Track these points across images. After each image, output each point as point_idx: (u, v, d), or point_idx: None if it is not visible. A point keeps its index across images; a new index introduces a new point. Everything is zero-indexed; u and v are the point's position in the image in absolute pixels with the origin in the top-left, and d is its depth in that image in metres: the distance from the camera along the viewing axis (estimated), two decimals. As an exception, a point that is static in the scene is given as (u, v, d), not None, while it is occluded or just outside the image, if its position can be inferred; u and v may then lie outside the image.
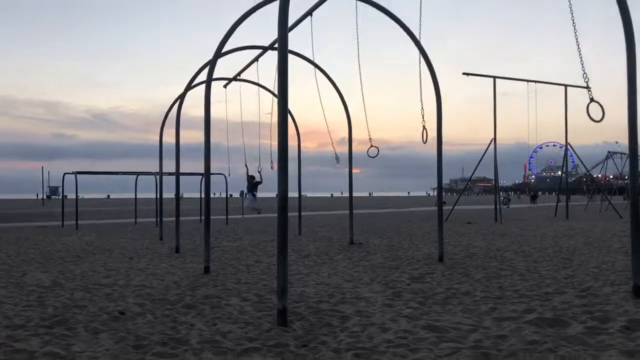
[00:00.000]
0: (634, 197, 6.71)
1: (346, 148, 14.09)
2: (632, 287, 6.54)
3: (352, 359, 4.23)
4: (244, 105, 16.06)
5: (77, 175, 22.26)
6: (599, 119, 7.36)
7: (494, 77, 23.31)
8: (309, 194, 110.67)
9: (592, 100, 7.39)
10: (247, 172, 18.86)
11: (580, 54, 7.54)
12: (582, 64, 7.53)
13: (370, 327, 5.22)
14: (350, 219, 14.23)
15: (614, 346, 4.44)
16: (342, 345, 4.61)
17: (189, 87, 12.46)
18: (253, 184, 20.69)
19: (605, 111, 7.44)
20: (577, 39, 7.74)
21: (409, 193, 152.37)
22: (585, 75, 7.46)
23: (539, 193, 68.39)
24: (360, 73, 11.54)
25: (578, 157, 27.91)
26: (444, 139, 10.38)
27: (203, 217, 11.10)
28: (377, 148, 12.74)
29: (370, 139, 12.91)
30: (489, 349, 4.43)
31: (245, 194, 21.58)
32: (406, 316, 5.66)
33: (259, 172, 18.55)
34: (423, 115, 10.48)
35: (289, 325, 5.28)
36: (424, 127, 10.56)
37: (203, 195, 11.84)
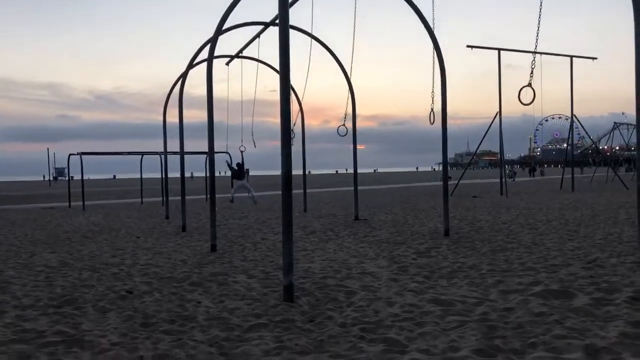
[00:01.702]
0: (641, 167, 6.65)
1: (349, 125, 14.03)
2: (638, 257, 6.52)
3: (359, 334, 4.24)
4: (249, 83, 16.00)
5: (82, 156, 22.30)
6: (528, 102, 7.95)
7: (499, 49, 23.05)
8: (314, 171, 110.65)
9: (528, 84, 7.90)
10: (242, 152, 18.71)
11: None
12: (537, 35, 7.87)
13: (376, 302, 5.23)
14: (355, 195, 14.22)
15: (621, 317, 4.44)
16: (348, 320, 4.63)
17: (191, 65, 12.38)
18: (239, 170, 20.56)
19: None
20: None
21: (417, 168, 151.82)
22: (533, 62, 7.86)
23: (537, 166, 68.53)
24: (353, 47, 11.43)
25: (584, 128, 27.73)
26: (449, 113, 10.31)
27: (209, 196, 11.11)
28: (346, 127, 13.21)
29: (345, 116, 13.06)
30: (495, 322, 4.44)
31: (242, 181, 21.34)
32: (412, 290, 5.68)
33: (242, 151, 18.58)
34: (433, 98, 10.44)
35: (296, 301, 5.31)
36: (432, 109, 10.56)
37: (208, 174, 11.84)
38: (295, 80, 17.33)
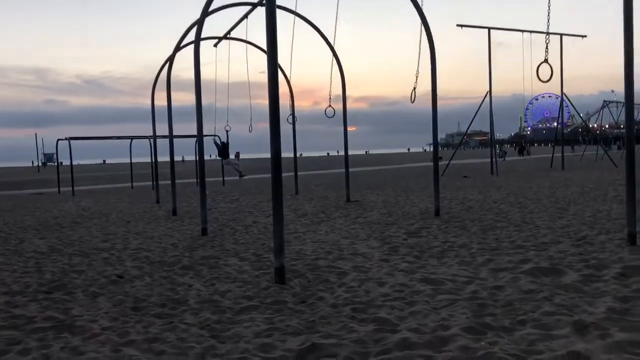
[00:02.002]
0: (630, 145, 6.68)
1: (341, 106, 13.96)
2: (626, 234, 6.58)
3: (350, 314, 4.26)
4: (239, 65, 15.87)
5: (71, 142, 22.11)
6: (546, 79, 7.65)
7: (489, 28, 22.97)
8: (305, 153, 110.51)
9: (545, 60, 7.60)
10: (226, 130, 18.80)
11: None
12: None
13: (367, 282, 5.25)
14: (347, 177, 14.21)
15: (609, 293, 4.48)
16: (339, 301, 4.64)
17: (178, 48, 12.24)
18: (223, 149, 20.57)
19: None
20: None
21: (409, 149, 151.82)
22: (547, 37, 7.63)
23: (526, 146, 69.07)
24: (335, 23, 11.33)
25: (574, 107, 27.79)
26: (438, 93, 10.27)
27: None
28: (334, 109, 13.17)
29: (330, 97, 13.04)
30: (485, 300, 4.46)
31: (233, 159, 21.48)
32: (403, 270, 5.70)
33: (227, 130, 18.61)
34: (417, 77, 10.37)
35: (287, 283, 5.31)
36: (414, 88, 10.51)
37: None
38: (284, 61, 17.16)
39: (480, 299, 4.49)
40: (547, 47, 7.59)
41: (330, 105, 13.58)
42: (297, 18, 12.98)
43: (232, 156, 22.44)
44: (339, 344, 3.54)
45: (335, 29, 12.06)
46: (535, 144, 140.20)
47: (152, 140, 17.92)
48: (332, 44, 13.33)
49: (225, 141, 20.43)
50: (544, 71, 7.61)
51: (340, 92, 13.89)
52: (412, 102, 10.65)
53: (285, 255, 5.81)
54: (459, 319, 3.96)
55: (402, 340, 3.55)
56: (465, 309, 4.19)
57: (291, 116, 15.47)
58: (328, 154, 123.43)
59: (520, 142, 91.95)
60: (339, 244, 7.46)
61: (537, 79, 7.73)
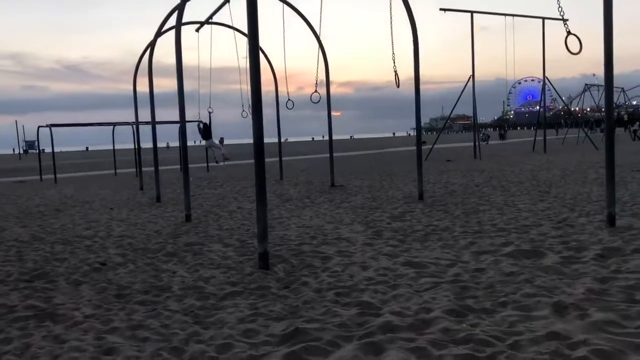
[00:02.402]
0: (609, 128, 6.75)
1: (324, 91, 13.91)
2: (606, 216, 6.68)
3: (333, 298, 4.28)
4: (221, 51, 15.72)
5: (52, 128, 21.83)
6: (576, 51, 7.31)
7: (471, 12, 22.96)
8: (290, 139, 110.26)
9: (569, 33, 7.29)
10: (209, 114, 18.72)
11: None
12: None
13: (351, 266, 5.28)
14: (331, 162, 14.22)
15: (588, 274, 4.55)
16: (323, 285, 4.66)
17: (159, 33, 12.08)
18: (205, 129, 20.44)
19: (583, 43, 7.36)
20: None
21: (394, 134, 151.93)
22: (560, 9, 7.35)
23: (505, 129, 69.70)
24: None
25: (556, 90, 27.99)
26: (422, 78, 10.28)
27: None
28: (319, 94, 13.10)
29: (316, 83, 12.96)
30: (467, 282, 4.51)
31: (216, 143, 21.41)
32: (386, 254, 5.73)
33: (210, 112, 18.53)
34: (394, 60, 10.30)
35: (271, 268, 5.32)
36: (395, 71, 10.45)
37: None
38: (268, 47, 17.03)
39: (463, 282, 4.54)
40: (564, 22, 7.24)
41: (316, 91, 13.47)
42: (280, 3, 12.86)
43: (216, 141, 22.28)
44: (322, 328, 3.56)
45: (321, 18, 11.96)
46: (518, 128, 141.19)
47: (134, 126, 17.76)
48: (316, 30, 13.25)
49: (207, 122, 20.31)
50: (573, 43, 7.17)
51: (324, 77, 13.84)
52: (398, 87, 10.60)
53: (269, 241, 5.82)
54: (441, 301, 4.01)
55: (385, 323, 3.59)
56: (448, 292, 4.24)
57: (290, 102, 15.32)
58: (313, 138, 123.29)
59: (503, 126, 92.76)
60: (323, 229, 7.48)
61: (568, 51, 7.26)
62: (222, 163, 22.16)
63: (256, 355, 3.22)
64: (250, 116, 17.93)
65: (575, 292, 4.04)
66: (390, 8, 10.11)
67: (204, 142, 21.93)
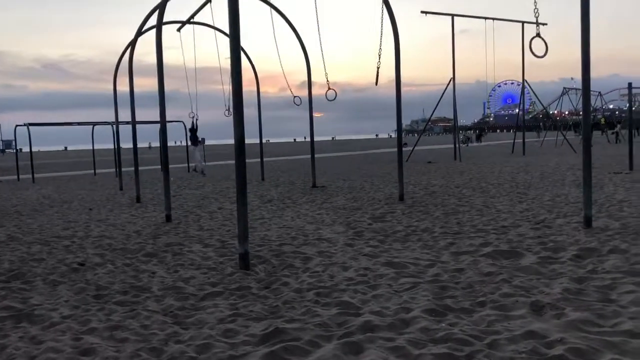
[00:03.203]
0: (586, 131, 6.86)
1: (306, 92, 13.91)
2: (583, 217, 6.78)
3: (314, 298, 4.29)
4: (201, 51, 15.64)
5: (30, 127, 21.53)
6: (541, 54, 7.38)
7: (452, 15, 23.15)
8: (272, 140, 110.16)
9: (537, 35, 7.36)
10: (193, 123, 18.73)
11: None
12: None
13: (331, 267, 5.29)
14: (312, 163, 14.22)
15: (565, 274, 4.62)
16: (304, 286, 4.66)
17: (140, 32, 11.97)
18: (192, 136, 20.40)
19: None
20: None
21: (377, 135, 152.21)
22: (536, 10, 7.43)
23: (484, 132, 70.65)
24: (316, 10, 11.30)
25: (535, 93, 28.33)
26: (403, 80, 10.34)
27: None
28: (335, 91, 12.72)
29: (327, 81, 12.81)
30: (446, 282, 4.55)
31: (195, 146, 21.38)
32: (367, 254, 5.76)
33: (191, 117, 18.52)
34: (380, 55, 10.30)
35: (252, 269, 5.31)
36: (378, 68, 10.38)
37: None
38: (250, 48, 16.99)
39: (442, 282, 4.57)
40: (537, 22, 7.28)
41: (330, 88, 13.07)
42: (262, 4, 12.84)
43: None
44: (302, 328, 3.57)
45: (317, 20, 11.93)
46: (498, 130, 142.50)
47: (114, 126, 17.56)
48: (302, 38, 13.25)
49: (193, 127, 20.23)
50: (538, 45, 7.23)
51: (305, 78, 13.85)
52: (376, 85, 10.55)
53: (250, 241, 5.81)
54: (420, 301, 4.04)
55: (364, 323, 3.60)
56: (427, 292, 4.27)
57: (297, 97, 15.12)
58: (294, 139, 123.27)
59: (482, 129, 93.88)
60: (304, 230, 7.48)
61: (532, 54, 7.31)
62: (198, 172, 22.08)
63: (236, 356, 3.21)
64: (220, 117, 17.96)
65: (552, 292, 4.10)
66: (382, 9, 10.13)
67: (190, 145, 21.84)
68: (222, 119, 17.80)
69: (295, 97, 14.51)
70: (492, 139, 65.25)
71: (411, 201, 10.02)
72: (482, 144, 49.20)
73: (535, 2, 7.34)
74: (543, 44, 7.29)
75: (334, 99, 12.76)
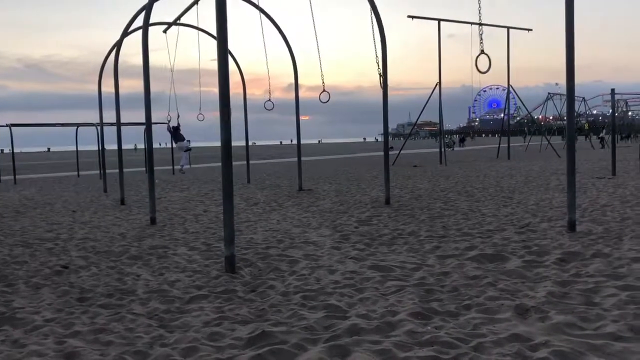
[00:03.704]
0: (570, 136, 6.94)
1: (293, 95, 13.92)
2: (567, 222, 6.85)
3: (300, 301, 4.28)
4: (189, 53, 15.58)
5: (12, 128, 21.27)
6: (485, 70, 7.76)
7: (439, 20, 23.31)
8: (258, 142, 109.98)
9: (482, 52, 7.72)
10: (169, 124, 19.04)
11: None
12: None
13: (318, 270, 5.28)
14: (299, 166, 14.22)
15: (549, 277, 4.66)
16: (290, 289, 4.65)
17: (125, 33, 11.91)
18: (174, 133, 20.61)
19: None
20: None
21: (364, 139, 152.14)
22: (480, 28, 7.71)
23: (469, 136, 71.45)
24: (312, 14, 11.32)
25: (520, 98, 28.60)
26: (390, 84, 10.37)
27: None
28: (329, 93, 12.81)
29: (323, 83, 12.84)
30: (432, 286, 4.57)
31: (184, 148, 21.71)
32: (353, 258, 5.76)
33: (168, 121, 18.75)
34: (378, 63, 10.32)
35: (238, 272, 5.29)
36: (379, 74, 10.42)
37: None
38: (237, 50, 16.93)
39: (427, 285, 4.59)
40: (481, 39, 7.78)
41: (324, 90, 13.11)
42: (249, 5, 12.83)
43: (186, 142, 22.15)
44: (288, 331, 3.56)
45: (313, 19, 11.93)
46: (483, 135, 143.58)
47: (98, 127, 17.41)
48: (285, 35, 13.26)
49: (176, 125, 20.31)
50: (483, 62, 7.79)
51: (292, 81, 13.86)
52: (382, 88, 10.50)
53: (236, 244, 5.79)
54: (406, 304, 4.05)
55: (351, 326, 3.60)
56: (413, 295, 4.28)
57: (269, 102, 15.34)
58: (281, 142, 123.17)
59: (467, 133, 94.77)
60: (290, 233, 7.47)
61: (477, 70, 7.89)
62: (183, 172, 22.12)
63: (222, 359, 3.19)
64: (206, 119, 17.99)
65: (537, 295, 4.13)
66: (372, 14, 10.15)
67: (175, 145, 21.94)
68: (209, 121, 17.78)
69: (267, 101, 14.78)
70: (477, 143, 65.74)
71: (397, 205, 10.06)
72: (465, 148, 49.54)
73: (480, 21, 7.69)
74: (487, 60, 7.74)
75: (327, 101, 12.84)
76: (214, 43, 14.43)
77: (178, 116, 19.41)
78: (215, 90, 5.32)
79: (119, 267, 5.75)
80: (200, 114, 18.66)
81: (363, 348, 3.24)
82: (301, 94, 13.97)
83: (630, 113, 56.06)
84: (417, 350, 3.18)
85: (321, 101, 13.29)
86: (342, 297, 4.36)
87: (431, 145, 52.85)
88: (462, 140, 59.15)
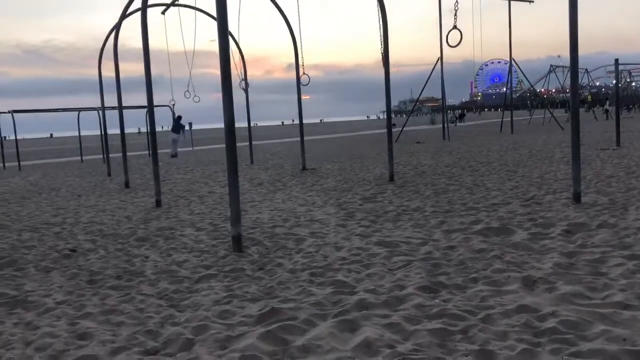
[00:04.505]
0: (574, 109, 6.90)
1: (294, 74, 13.83)
2: (572, 193, 6.85)
3: (308, 278, 4.31)
4: (187, 34, 15.47)
5: (15, 115, 21.26)
6: (455, 44, 7.91)
7: (440, -6, 23.02)
8: (260, 123, 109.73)
9: (454, 27, 7.84)
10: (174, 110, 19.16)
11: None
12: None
13: (324, 247, 5.31)
14: (302, 146, 14.20)
15: (555, 249, 4.68)
16: (297, 266, 4.69)
17: (124, 15, 11.80)
18: (175, 123, 20.85)
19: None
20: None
21: (368, 117, 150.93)
22: (456, 3, 7.70)
23: (465, 112, 70.08)
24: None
25: (522, 72, 28.37)
26: (391, 61, 10.30)
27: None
28: (308, 76, 13.13)
29: (302, 65, 12.93)
30: (439, 260, 4.59)
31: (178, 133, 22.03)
32: (359, 234, 5.78)
33: (173, 105, 18.87)
34: (382, 42, 10.23)
35: (245, 251, 5.32)
36: (382, 53, 10.35)
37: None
38: (235, 31, 16.82)
39: (434, 259, 4.61)
40: (455, 14, 7.88)
41: (304, 73, 13.37)
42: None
43: (187, 127, 22.38)
44: (298, 308, 3.59)
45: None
46: (486, 110, 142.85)
47: (100, 112, 17.39)
48: (289, 20, 13.14)
49: (176, 116, 20.50)
50: (454, 37, 7.96)
51: (291, 61, 13.77)
52: (384, 66, 10.48)
53: (242, 224, 5.81)
54: (413, 279, 4.07)
55: (359, 300, 3.63)
56: (420, 269, 4.31)
57: (243, 82, 15.37)
58: (283, 122, 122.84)
59: (470, 108, 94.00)
60: (295, 212, 7.49)
61: (447, 45, 8.08)
62: (172, 152, 22.29)
63: (233, 336, 3.23)
64: (204, 101, 18.07)
65: (543, 267, 4.15)
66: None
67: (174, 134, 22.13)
68: (209, 103, 17.75)
69: (241, 81, 14.86)
70: (480, 118, 65.41)
71: (401, 181, 10.06)
72: (465, 124, 49.14)
73: None
74: (459, 35, 7.92)
75: (307, 84, 13.26)
76: (211, 24, 14.34)
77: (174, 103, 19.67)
78: (214, 71, 5.29)
79: (126, 249, 5.79)
80: (196, 95, 18.59)
81: (372, 322, 3.27)
82: (301, 73, 13.88)
83: (633, 84, 55.57)
84: (426, 323, 3.20)
85: (302, 84, 13.39)
86: (350, 273, 4.39)
87: (434, 122, 52.64)
88: (461, 117, 58.04)
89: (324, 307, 3.62)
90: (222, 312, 3.65)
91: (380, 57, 10.33)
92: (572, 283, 3.72)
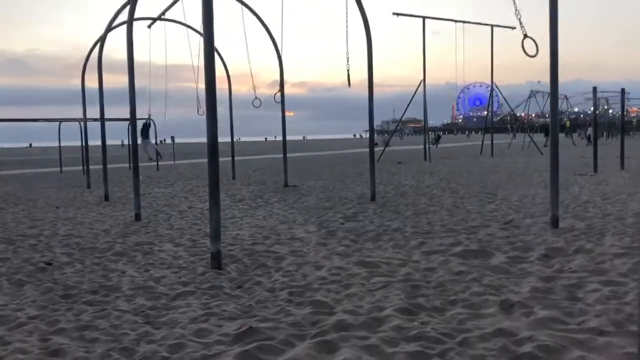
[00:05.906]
0: (554, 134, 7.02)
1: (274, 91, 13.87)
2: (550, 217, 6.93)
3: (287, 297, 4.28)
4: (174, 49, 15.50)
5: (-7, 124, 20.97)
6: (533, 54, 7.50)
7: (423, 17, 23.40)
8: (243, 138, 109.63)
9: (525, 36, 7.52)
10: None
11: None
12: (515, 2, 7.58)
13: (304, 266, 5.29)
14: (285, 162, 14.20)
15: (533, 273, 4.72)
16: (277, 285, 4.66)
17: (110, 28, 11.78)
18: (142, 129, 21.13)
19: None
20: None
21: (354, 135, 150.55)
22: (517, 12, 7.57)
23: (441, 134, 67.81)
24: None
25: (503, 96, 28.83)
26: (375, 81, 10.38)
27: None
28: (260, 100, 13.29)
29: (254, 87, 13.03)
30: (418, 282, 4.60)
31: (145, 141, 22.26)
32: (339, 254, 5.78)
33: (148, 117, 19.05)
34: (348, 59, 10.26)
35: (224, 268, 5.28)
36: (348, 70, 10.37)
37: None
38: (222, 47, 16.88)
39: (413, 281, 4.62)
40: (520, 23, 7.40)
41: (279, 91, 13.38)
42: (236, 2, 12.77)
43: (169, 140, 22.39)
44: (275, 327, 3.56)
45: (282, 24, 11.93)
46: (467, 132, 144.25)
47: (82, 123, 17.24)
48: (274, 37, 13.22)
49: (148, 123, 20.76)
50: (529, 45, 7.40)
51: (276, 77, 13.84)
52: (349, 87, 10.58)
53: (222, 241, 5.77)
54: (392, 300, 4.07)
55: (338, 321, 3.62)
56: (399, 291, 4.31)
57: (257, 99, 15.29)
58: (266, 139, 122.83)
59: (443, 131, 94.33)
60: (276, 229, 7.47)
61: (524, 55, 7.44)
62: (153, 158, 22.36)
63: (209, 355, 3.19)
64: (185, 115, 18.15)
65: (521, 291, 4.18)
66: (346, 10, 10.14)
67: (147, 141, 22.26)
68: (191, 117, 17.71)
69: (255, 98, 14.84)
70: (461, 140, 66.11)
71: (383, 201, 10.10)
72: (446, 145, 48.10)
73: (515, 4, 7.48)
74: (533, 44, 7.47)
75: (259, 106, 13.45)
76: (197, 38, 14.35)
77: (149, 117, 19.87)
78: (195, 86, 5.29)
79: (103, 263, 5.71)
80: (200, 108, 18.62)
81: (350, 344, 3.25)
82: (285, 90, 13.95)
83: (610, 111, 56.69)
84: (403, 346, 3.20)
85: (275, 101, 13.47)
86: (329, 292, 4.38)
87: (415, 142, 52.96)
88: (437, 139, 52.33)
89: (302, 327, 3.60)
90: (199, 330, 3.61)
91: (357, 76, 10.33)
92: (549, 308, 3.75)
